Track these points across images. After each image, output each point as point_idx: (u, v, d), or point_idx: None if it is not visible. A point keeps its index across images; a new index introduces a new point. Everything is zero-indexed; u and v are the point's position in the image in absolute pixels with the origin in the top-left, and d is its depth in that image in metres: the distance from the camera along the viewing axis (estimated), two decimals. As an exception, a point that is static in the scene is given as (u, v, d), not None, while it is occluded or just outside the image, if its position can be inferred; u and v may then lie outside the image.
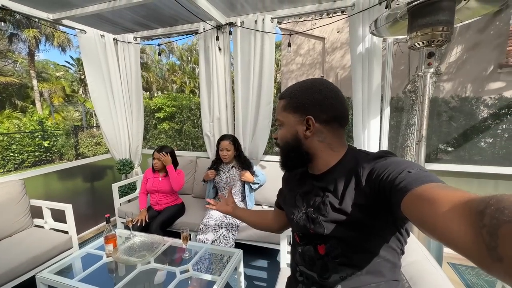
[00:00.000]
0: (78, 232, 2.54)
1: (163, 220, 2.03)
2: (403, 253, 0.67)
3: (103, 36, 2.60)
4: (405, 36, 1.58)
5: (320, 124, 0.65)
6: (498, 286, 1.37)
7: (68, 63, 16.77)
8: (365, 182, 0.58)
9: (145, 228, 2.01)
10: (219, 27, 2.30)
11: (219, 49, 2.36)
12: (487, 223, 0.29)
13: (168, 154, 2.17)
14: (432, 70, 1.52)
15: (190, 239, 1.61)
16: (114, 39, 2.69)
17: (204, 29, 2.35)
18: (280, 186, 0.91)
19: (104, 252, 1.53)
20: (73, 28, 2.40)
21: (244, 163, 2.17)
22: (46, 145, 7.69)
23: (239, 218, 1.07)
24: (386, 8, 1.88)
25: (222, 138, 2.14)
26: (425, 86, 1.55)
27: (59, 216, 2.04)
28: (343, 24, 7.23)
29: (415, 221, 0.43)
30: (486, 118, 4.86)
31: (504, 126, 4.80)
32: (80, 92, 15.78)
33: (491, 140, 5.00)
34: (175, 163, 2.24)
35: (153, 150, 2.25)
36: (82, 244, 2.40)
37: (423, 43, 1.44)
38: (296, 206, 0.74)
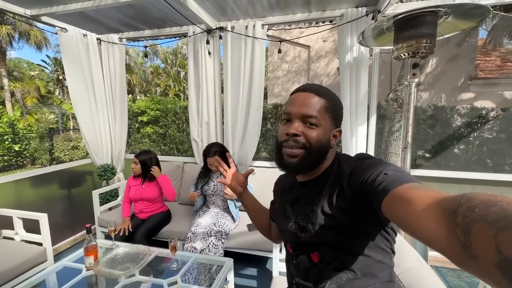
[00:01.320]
0: (53, 243, 2.37)
1: (148, 229, 1.93)
2: (393, 252, 0.69)
3: (86, 35, 2.48)
4: (391, 47, 1.65)
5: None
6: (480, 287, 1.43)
7: (45, 62, 15.90)
8: (347, 186, 0.60)
9: (128, 238, 1.90)
10: (209, 31, 2.28)
11: (209, 53, 2.33)
12: (460, 222, 0.30)
13: (140, 164, 2.09)
14: (416, 80, 1.58)
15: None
16: (97, 39, 2.58)
17: (193, 32, 2.31)
18: (267, 193, 0.91)
19: (84, 265, 1.42)
20: (53, 26, 2.27)
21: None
22: (16, 148, 7.17)
23: (245, 205, 0.93)
24: (372, 19, 1.96)
25: (208, 153, 1.99)
26: (410, 95, 1.61)
27: (31, 226, 1.88)
28: (327, 33, 7.48)
29: (394, 221, 0.45)
30: (459, 126, 5.19)
31: (475, 134, 5.14)
32: (57, 93, 14.98)
33: (463, 147, 5.33)
34: (147, 170, 2.12)
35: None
36: (57, 256, 2.23)
37: (408, 54, 1.51)
38: (286, 215, 0.74)
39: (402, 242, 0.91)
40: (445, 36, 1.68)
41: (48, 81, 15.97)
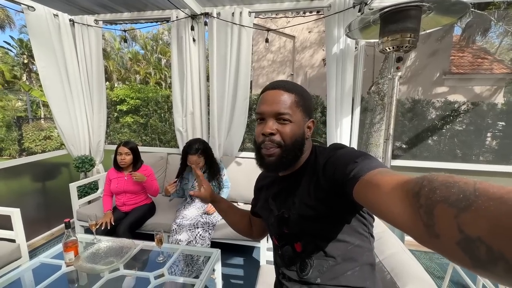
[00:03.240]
0: (27, 239, 2.24)
1: (131, 222, 1.88)
2: (372, 236, 0.72)
3: (57, 15, 2.28)
4: (376, 40, 1.68)
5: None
6: (449, 268, 1.55)
7: (8, 44, 14.48)
8: (322, 177, 0.62)
9: (111, 231, 1.84)
10: (193, 16, 2.18)
11: (194, 40, 2.24)
12: (423, 203, 0.31)
13: (132, 154, 2.01)
14: (400, 73, 1.63)
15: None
16: (70, 20, 2.38)
17: (177, 17, 2.20)
18: (253, 183, 0.92)
19: (63, 261, 1.36)
20: (18, 4, 2.06)
21: (213, 170, 2.01)
22: (-20, 139, 6.59)
23: (219, 209, 0.95)
24: (359, 12, 1.97)
25: (189, 150, 1.89)
26: (393, 88, 1.66)
27: (2, 222, 1.76)
28: (313, 24, 7.46)
29: (365, 206, 0.48)
30: (434, 119, 5.48)
31: (447, 126, 5.47)
32: (24, 78, 13.80)
33: (436, 139, 5.67)
34: (138, 160, 2.08)
35: (116, 145, 2.06)
36: (32, 253, 2.12)
37: (393, 47, 1.54)
38: (270, 209, 0.77)
39: (384, 229, 0.96)
40: (428, 31, 1.73)
41: (14, 65, 14.63)
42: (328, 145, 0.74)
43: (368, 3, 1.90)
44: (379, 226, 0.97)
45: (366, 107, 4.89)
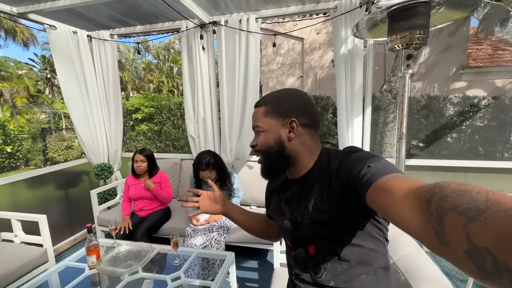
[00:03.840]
0: (53, 244, 2.36)
1: (148, 227, 1.95)
2: (387, 240, 0.71)
3: (76, 32, 2.43)
4: (385, 39, 1.66)
5: (301, 127, 0.69)
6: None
7: (32, 60, 15.47)
8: (336, 180, 0.62)
9: (129, 235, 1.91)
10: (202, 25, 2.25)
11: (203, 48, 2.30)
12: (434, 211, 0.31)
13: (147, 161, 2.08)
14: (411, 71, 1.60)
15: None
16: (88, 36, 2.52)
17: (186, 27, 2.28)
18: (265, 186, 0.91)
19: (86, 264, 1.43)
20: (41, 23, 2.21)
21: (223, 180, 2.00)
22: (9, 150, 7.04)
23: (233, 219, 0.92)
24: (366, 11, 1.96)
25: (199, 165, 1.86)
26: (404, 86, 1.63)
27: (30, 228, 1.88)
28: (321, 25, 7.44)
29: (378, 211, 0.48)
30: (452, 115, 5.26)
31: (467, 123, 5.23)
32: (47, 92, 14.64)
33: (456, 136, 5.43)
34: (154, 167, 2.15)
35: (133, 153, 2.15)
36: (58, 257, 2.23)
37: (402, 45, 1.51)
38: (283, 213, 0.77)
39: (398, 230, 0.94)
40: (438, 27, 1.68)
41: (38, 80, 15.57)
42: (341, 148, 0.74)
43: (375, 2, 1.88)
44: (393, 227, 0.95)
45: (379, 106, 4.78)
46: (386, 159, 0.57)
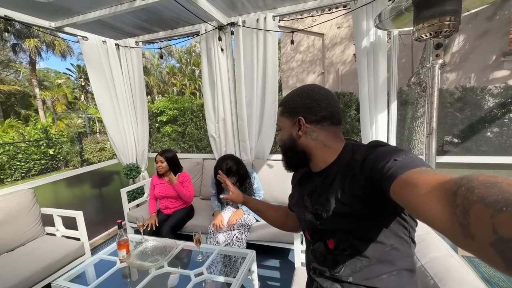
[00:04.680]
0: (89, 238, 2.56)
1: (173, 224, 2.03)
2: (413, 242, 0.68)
3: (105, 42, 2.60)
4: (411, 28, 1.56)
5: (310, 124, 0.71)
6: (517, 278, 1.35)
7: (69, 70, 16.88)
8: (360, 174, 0.61)
9: (155, 232, 2.01)
10: (220, 27, 2.29)
11: (222, 49, 2.35)
12: (460, 203, 0.31)
13: (166, 161, 2.16)
14: (440, 61, 1.49)
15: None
16: (116, 44, 2.69)
17: (205, 30, 2.34)
18: (285, 185, 0.96)
19: (117, 257, 1.53)
20: (75, 35, 2.40)
21: (243, 182, 2.00)
22: (51, 152, 7.75)
23: (253, 208, 1.02)
24: (389, 0, 1.86)
25: (220, 169, 1.83)
26: (433, 78, 1.52)
27: (69, 223, 2.05)
28: (342, 19, 7.19)
29: (403, 205, 0.46)
30: (492, 108, 4.80)
31: (511, 115, 4.73)
32: (82, 99, 15.89)
33: (497, 130, 4.93)
34: (178, 167, 2.23)
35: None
36: (93, 250, 2.41)
37: (430, 34, 1.41)
38: (304, 206, 0.77)
39: (428, 231, 0.88)
40: (472, 11, 1.55)
41: (74, 88, 16.96)
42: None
43: (399, -10, 1.77)
44: (422, 228, 0.90)
45: (407, 100, 4.50)
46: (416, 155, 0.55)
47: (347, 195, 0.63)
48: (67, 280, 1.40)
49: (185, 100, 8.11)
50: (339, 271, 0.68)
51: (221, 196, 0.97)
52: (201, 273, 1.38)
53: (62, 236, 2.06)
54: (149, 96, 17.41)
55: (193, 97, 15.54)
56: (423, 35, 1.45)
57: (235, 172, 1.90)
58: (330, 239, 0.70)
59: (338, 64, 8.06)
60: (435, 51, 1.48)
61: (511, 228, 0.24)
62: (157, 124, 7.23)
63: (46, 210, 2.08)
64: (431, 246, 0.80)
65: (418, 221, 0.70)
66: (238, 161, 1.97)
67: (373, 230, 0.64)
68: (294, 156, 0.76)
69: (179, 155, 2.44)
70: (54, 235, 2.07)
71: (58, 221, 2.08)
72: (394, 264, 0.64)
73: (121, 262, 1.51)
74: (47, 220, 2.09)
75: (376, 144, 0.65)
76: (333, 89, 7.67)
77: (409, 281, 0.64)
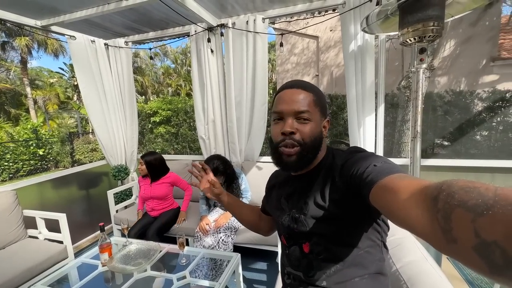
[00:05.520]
0: (75, 241, 2.51)
1: (159, 226, 2.00)
2: (385, 246, 0.69)
3: (94, 41, 2.57)
4: (397, 33, 1.58)
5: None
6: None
7: (62, 69, 16.63)
8: (339, 178, 0.62)
9: (142, 235, 1.98)
10: (210, 29, 2.28)
11: (211, 51, 2.34)
12: (441, 208, 0.31)
13: (145, 165, 2.16)
14: (424, 65, 1.51)
15: (187, 245, 1.59)
16: (105, 44, 2.66)
17: (195, 31, 2.33)
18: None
19: (100, 261, 1.50)
20: (63, 35, 2.37)
21: (232, 179, 1.99)
22: (41, 153, 7.61)
23: (228, 206, 0.91)
24: (376, 5, 1.88)
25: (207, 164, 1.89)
26: (418, 81, 1.54)
27: (54, 225, 2.01)
28: (335, 22, 7.26)
29: (382, 210, 0.46)
30: (480, 111, 4.89)
31: (498, 119, 4.83)
32: (75, 98, 15.67)
33: (486, 133, 5.03)
34: (158, 171, 2.19)
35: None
36: (78, 253, 2.37)
37: (414, 39, 1.43)
38: (281, 209, 0.77)
39: (406, 235, 0.89)
40: (456, 17, 1.58)
41: (67, 87, 16.71)
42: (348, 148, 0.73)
43: (385, -6, 1.79)
44: (399, 232, 0.90)
45: (398, 103, 4.56)
46: (405, 158, 0.57)
47: (325, 199, 0.64)
48: (46, 284, 1.36)
49: (178, 101, 8.07)
50: (313, 275, 0.68)
51: (193, 182, 0.90)
52: (184, 277, 1.36)
53: (45, 239, 2.01)
54: (143, 97, 17.27)
55: (187, 98, 15.46)
56: (408, 40, 1.47)
57: (222, 172, 1.90)
58: (306, 242, 0.70)
59: (332, 67, 8.13)
60: (419, 56, 1.51)
61: (493, 231, 0.25)
62: (150, 125, 7.17)
63: (29, 212, 2.04)
64: (407, 250, 0.81)
65: (391, 225, 0.71)
66: (225, 161, 1.97)
67: (349, 234, 0.64)
68: (314, 156, 0.68)
69: (170, 157, 2.42)
70: (36, 238, 2.02)
71: (40, 224, 2.03)
72: (366, 267, 0.65)
73: (103, 266, 1.48)
74: (30, 223, 2.04)
75: (356, 150, 0.66)
76: (327, 91, 7.73)
77: (380, 285, 0.65)
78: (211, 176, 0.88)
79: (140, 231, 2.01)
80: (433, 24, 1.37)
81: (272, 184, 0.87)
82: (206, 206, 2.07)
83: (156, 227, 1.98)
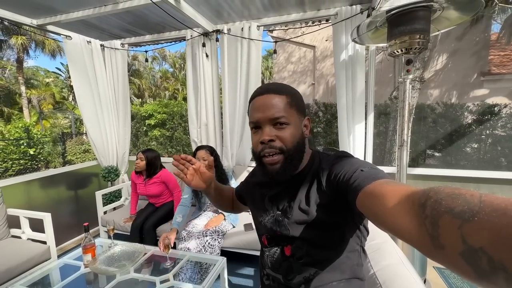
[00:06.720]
0: (60, 243, 2.46)
1: (155, 221, 2.08)
2: (364, 251, 0.70)
3: (90, 42, 2.58)
4: (385, 44, 1.63)
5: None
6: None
7: (59, 69, 16.54)
8: (325, 183, 0.62)
9: (140, 227, 2.05)
10: (206, 34, 2.32)
11: (206, 55, 2.37)
12: (429, 214, 0.31)
13: (145, 160, 2.20)
14: (411, 76, 1.56)
15: (173, 247, 1.57)
16: (101, 45, 2.67)
17: (191, 36, 2.36)
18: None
19: (82, 262, 1.47)
20: (59, 34, 2.38)
21: (221, 176, 1.99)
22: (31, 152, 7.47)
23: (209, 197, 0.86)
24: (367, 17, 1.94)
25: (199, 148, 1.97)
26: (405, 91, 1.59)
27: (39, 226, 1.96)
28: (331, 33, 7.42)
29: (368, 216, 0.46)
30: (470, 124, 5.01)
31: (487, 132, 4.95)
32: (70, 99, 15.54)
33: (476, 146, 5.14)
34: (153, 169, 2.24)
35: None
36: (62, 255, 2.30)
37: (401, 50, 1.49)
38: (265, 209, 0.75)
39: (386, 240, 0.90)
40: (442, 31, 1.64)
41: (63, 87, 16.59)
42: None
43: (375, 7, 1.86)
44: (380, 236, 0.91)
45: (389, 113, 4.65)
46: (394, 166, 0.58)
47: (310, 203, 0.63)
48: (25, 285, 1.33)
49: (175, 104, 8.08)
50: (292, 279, 0.68)
51: (175, 171, 0.77)
52: (167, 280, 1.34)
53: (28, 239, 1.96)
54: (139, 99, 17.21)
55: (183, 102, 15.48)
56: (395, 51, 1.52)
57: (211, 152, 1.94)
58: (288, 245, 0.69)
59: (328, 76, 8.26)
60: (406, 67, 1.55)
61: (479, 238, 0.25)
62: (144, 128, 7.13)
63: (13, 211, 1.99)
64: (385, 254, 0.82)
65: (371, 230, 0.72)
66: (213, 151, 1.99)
67: (331, 240, 0.64)
68: (298, 160, 0.65)
69: (163, 159, 2.42)
70: (19, 237, 1.97)
71: (24, 223, 1.99)
72: (344, 272, 0.65)
73: (85, 267, 1.45)
74: (14, 222, 2.00)
75: (343, 155, 0.65)
76: (322, 99, 7.81)
77: None
78: (197, 164, 0.76)
79: (143, 221, 2.09)
80: (419, 37, 1.43)
81: (255, 181, 0.84)
82: (182, 218, 1.87)
83: (152, 221, 2.05)
